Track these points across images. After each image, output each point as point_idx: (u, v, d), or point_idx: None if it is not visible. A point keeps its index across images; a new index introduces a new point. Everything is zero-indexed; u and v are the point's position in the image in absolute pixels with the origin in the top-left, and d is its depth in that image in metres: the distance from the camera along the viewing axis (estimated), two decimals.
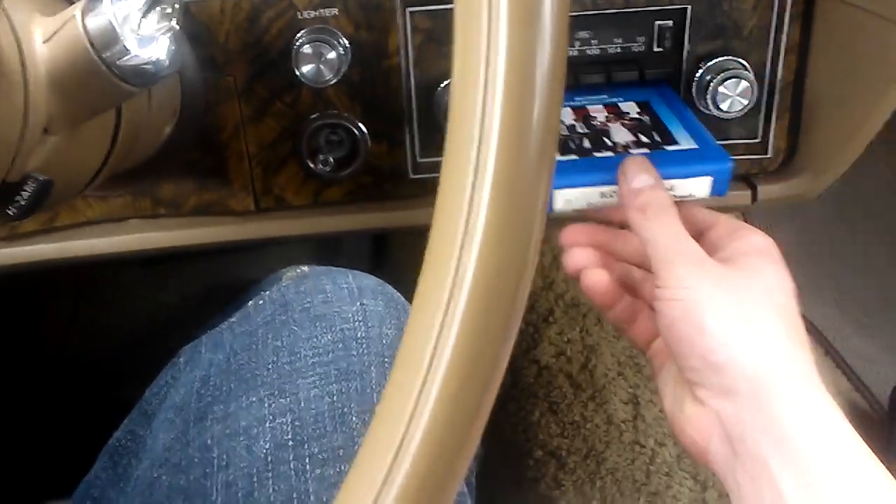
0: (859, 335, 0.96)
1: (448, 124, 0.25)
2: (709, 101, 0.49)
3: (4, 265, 0.55)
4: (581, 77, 0.51)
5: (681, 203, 0.42)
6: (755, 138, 0.53)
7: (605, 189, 0.43)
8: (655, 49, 0.51)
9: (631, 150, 0.45)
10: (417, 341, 0.23)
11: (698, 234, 0.41)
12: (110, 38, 0.29)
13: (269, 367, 0.49)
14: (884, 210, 1.05)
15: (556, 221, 0.45)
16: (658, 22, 0.50)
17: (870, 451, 0.34)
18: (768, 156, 0.54)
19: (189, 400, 0.50)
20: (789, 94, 0.52)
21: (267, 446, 0.45)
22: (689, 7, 0.49)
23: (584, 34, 0.51)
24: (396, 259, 0.90)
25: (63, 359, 0.99)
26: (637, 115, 0.49)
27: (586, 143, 0.46)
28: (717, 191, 0.43)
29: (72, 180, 0.35)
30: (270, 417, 0.46)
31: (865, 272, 1.02)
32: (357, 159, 0.51)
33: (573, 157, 0.45)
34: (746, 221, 1.05)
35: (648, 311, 0.44)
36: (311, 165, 0.52)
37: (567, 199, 0.43)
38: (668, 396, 0.41)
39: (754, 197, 0.55)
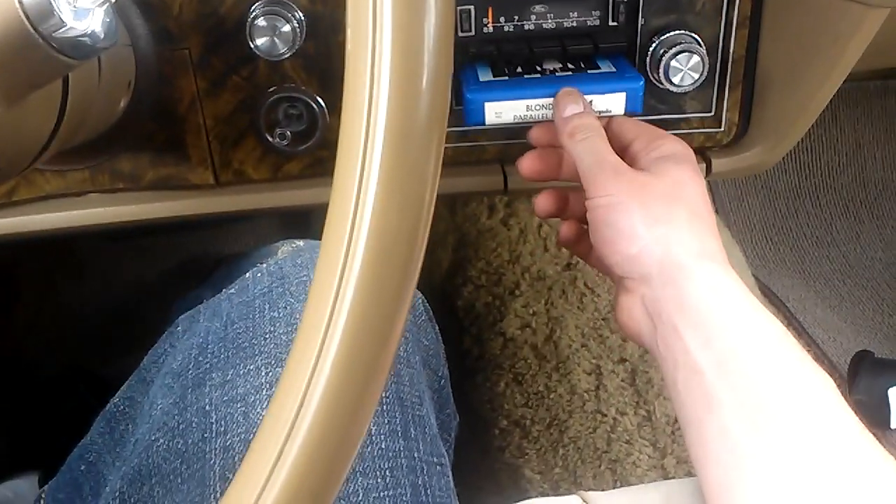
0: (821, 306, 0.98)
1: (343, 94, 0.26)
2: (661, 75, 0.50)
3: None
4: (536, 49, 0.51)
5: (611, 119, 0.48)
6: (709, 112, 0.54)
7: (530, 102, 0.49)
8: (610, 23, 0.51)
9: (557, 73, 0.50)
10: (320, 297, 0.25)
11: (624, 147, 0.47)
12: (45, 10, 0.29)
13: (267, 336, 0.50)
14: (847, 183, 1.07)
15: (527, 198, 0.47)
16: None
17: (763, 307, 0.38)
18: (722, 129, 0.54)
19: (187, 366, 0.51)
20: (741, 68, 0.52)
21: (264, 413, 0.46)
22: None
23: (539, 8, 0.51)
24: None
25: (34, 334, 0.99)
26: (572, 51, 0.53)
27: (519, 69, 0.51)
28: (631, 107, 0.49)
29: (17, 153, 0.35)
30: (267, 385, 0.47)
31: (828, 244, 1.04)
32: (315, 133, 0.51)
33: (504, 78, 0.50)
34: (711, 191, 1.06)
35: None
36: (269, 139, 0.52)
37: (496, 111, 0.49)
38: (615, 301, 0.46)
39: (708, 170, 0.56)
